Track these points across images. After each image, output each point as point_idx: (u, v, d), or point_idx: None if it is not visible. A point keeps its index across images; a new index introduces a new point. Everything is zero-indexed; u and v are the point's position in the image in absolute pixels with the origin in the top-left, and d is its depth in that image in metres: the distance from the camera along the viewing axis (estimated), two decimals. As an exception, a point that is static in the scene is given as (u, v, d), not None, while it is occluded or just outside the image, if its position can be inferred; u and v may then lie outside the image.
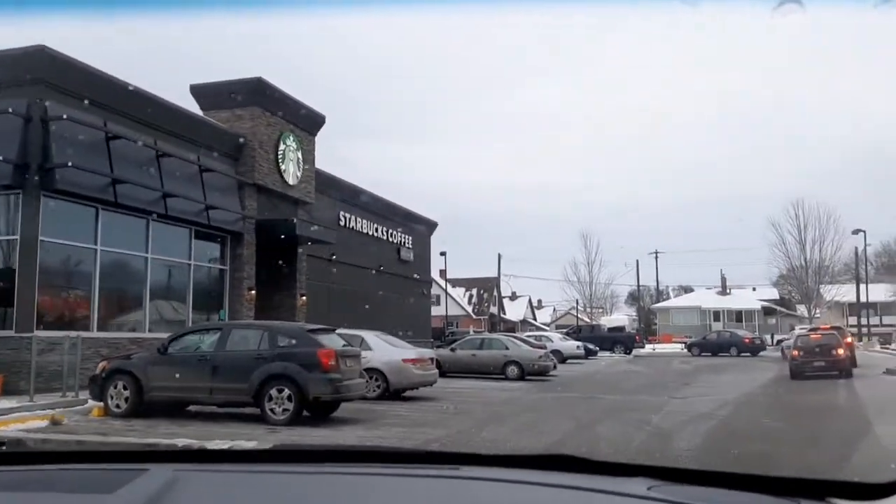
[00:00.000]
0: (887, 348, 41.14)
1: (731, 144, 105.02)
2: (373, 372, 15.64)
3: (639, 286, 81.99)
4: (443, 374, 24.00)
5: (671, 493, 1.36)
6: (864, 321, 47.06)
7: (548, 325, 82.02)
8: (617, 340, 45.78)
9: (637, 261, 78.37)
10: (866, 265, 54.41)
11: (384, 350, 16.74)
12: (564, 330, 51.84)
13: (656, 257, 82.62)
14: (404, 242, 34.24)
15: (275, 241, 22.06)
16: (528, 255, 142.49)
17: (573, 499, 1.39)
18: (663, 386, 22.40)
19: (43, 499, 1.36)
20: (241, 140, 21.43)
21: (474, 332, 46.41)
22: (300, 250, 24.17)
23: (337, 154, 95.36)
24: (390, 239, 32.94)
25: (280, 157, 22.78)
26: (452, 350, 26.13)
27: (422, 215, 35.59)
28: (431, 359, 17.79)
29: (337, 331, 13.89)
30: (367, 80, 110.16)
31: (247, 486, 1.46)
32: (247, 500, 1.38)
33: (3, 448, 1.98)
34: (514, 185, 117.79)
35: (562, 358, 37.24)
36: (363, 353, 14.23)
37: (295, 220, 22.89)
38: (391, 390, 16.37)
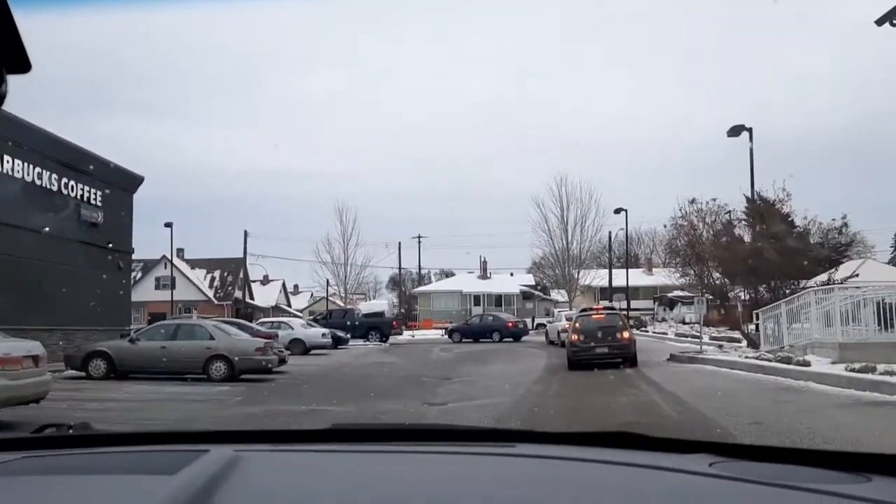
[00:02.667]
0: (645, 332, 39.85)
1: (498, 135, 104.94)
2: None
3: (400, 269, 78.01)
4: (120, 376, 17.74)
5: (733, 469, 1.31)
6: (621, 305, 45.95)
7: (302, 311, 75.12)
8: (373, 327, 40.30)
9: (399, 243, 74.09)
10: (627, 245, 53.95)
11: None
12: (312, 316, 45.64)
13: (419, 241, 79.40)
14: (88, 198, 25.70)
15: None
16: (289, 242, 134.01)
17: (634, 476, 1.33)
18: (418, 384, 16.99)
19: (106, 481, 1.32)
20: None
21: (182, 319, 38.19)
22: None
23: (95, 130, 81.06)
24: (65, 191, 24.31)
25: None
26: (133, 341, 18.70)
27: (116, 164, 27.06)
28: (35, 358, 10.47)
29: None
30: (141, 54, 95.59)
31: (307, 466, 1.48)
32: (307, 478, 1.37)
33: (70, 431, 1.81)
34: (279, 170, 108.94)
35: (304, 348, 31.14)
36: None
37: None
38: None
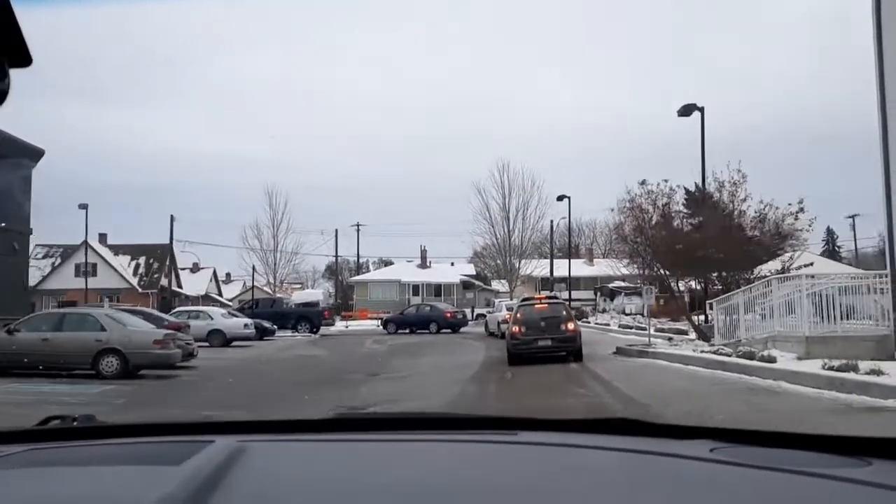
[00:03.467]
0: (587, 323, 38.56)
1: (443, 124, 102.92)
2: None
3: (337, 258, 75.49)
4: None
5: (734, 454, 1.32)
6: (563, 295, 44.58)
7: (233, 300, 71.94)
8: (302, 317, 37.93)
9: (336, 230, 71.55)
10: (570, 232, 52.75)
11: None
12: (238, 305, 43.01)
13: (358, 229, 76.88)
14: (-27, 170, 22.79)
15: None
16: (222, 230, 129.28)
17: (636, 462, 1.34)
18: (339, 382, 15.05)
19: (112, 472, 1.33)
20: None
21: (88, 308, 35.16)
22: None
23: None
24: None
25: None
26: (11, 332, 16.16)
27: (8, 134, 24.07)
28: None
29: None
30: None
31: (310, 454, 1.49)
32: (311, 466, 1.39)
33: (75, 423, 1.82)
34: (215, 156, 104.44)
35: (224, 340, 28.78)
36: None
37: None
38: None
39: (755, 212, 18.86)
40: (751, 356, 12.95)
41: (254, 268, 51.33)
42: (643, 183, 19.73)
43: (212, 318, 29.26)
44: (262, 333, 32.70)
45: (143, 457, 1.41)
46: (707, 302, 19.16)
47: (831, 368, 10.39)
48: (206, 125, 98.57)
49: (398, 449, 1.53)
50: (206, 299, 70.86)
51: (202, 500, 1.05)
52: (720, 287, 19.41)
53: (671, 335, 21.74)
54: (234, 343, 29.07)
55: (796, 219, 18.76)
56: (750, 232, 19.08)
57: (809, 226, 18.71)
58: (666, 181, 19.70)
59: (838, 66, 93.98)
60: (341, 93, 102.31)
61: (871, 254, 63.40)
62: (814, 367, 11.05)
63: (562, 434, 1.65)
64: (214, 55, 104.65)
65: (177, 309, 32.31)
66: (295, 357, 22.90)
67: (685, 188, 20.12)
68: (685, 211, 20.88)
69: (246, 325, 29.78)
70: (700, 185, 20.01)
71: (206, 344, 28.58)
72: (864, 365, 10.19)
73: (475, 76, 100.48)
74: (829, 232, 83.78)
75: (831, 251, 79.83)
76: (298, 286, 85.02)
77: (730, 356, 13.82)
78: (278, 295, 53.93)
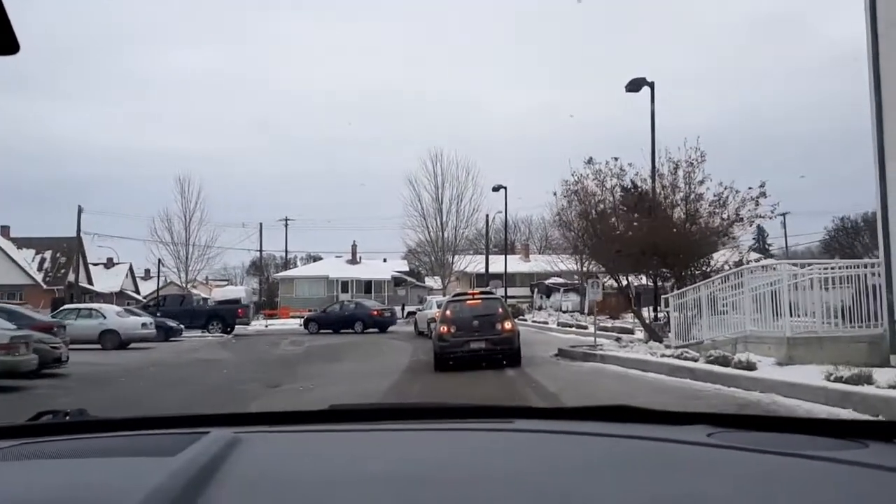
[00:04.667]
0: (524, 321, 36.39)
1: (378, 121, 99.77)
2: None
3: (261, 253, 71.91)
4: None
5: (731, 439, 1.31)
6: (500, 292, 42.26)
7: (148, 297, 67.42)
8: (215, 316, 34.60)
9: (261, 224, 67.83)
10: (506, 223, 50.48)
11: None
12: (141, 303, 39.33)
13: (286, 224, 73.17)
14: None
15: None
16: (140, 224, 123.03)
17: (634, 447, 1.33)
18: (231, 395, 12.45)
19: (107, 463, 1.32)
20: None
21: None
22: None
23: None
24: None
25: None
26: None
27: None
28: None
29: None
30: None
31: (306, 445, 1.49)
32: (307, 456, 1.38)
33: (67, 418, 1.79)
34: (136, 150, 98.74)
35: (119, 341, 25.47)
36: None
37: None
38: None
39: (714, 195, 16.71)
40: (725, 362, 10.69)
41: (160, 261, 47.04)
42: (590, 161, 17.41)
43: (104, 317, 25.82)
44: (167, 334, 29.46)
45: (138, 448, 1.38)
46: (662, 297, 17.01)
47: (839, 379, 8.14)
48: (127, 119, 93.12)
49: (395, 438, 1.52)
50: (121, 297, 66.42)
51: (199, 489, 1.05)
52: (673, 281, 17.26)
53: (619, 336, 19.53)
54: (133, 345, 25.84)
55: (757, 204, 16.73)
56: (708, 218, 16.93)
57: (772, 212, 16.71)
58: (616, 159, 17.41)
59: (786, 64, 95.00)
60: (274, 86, 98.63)
61: (800, 251, 63.44)
62: (811, 376, 8.81)
63: (558, 422, 1.66)
64: (133, 46, 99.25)
65: (64, 307, 28.59)
66: (192, 362, 19.83)
67: (640, 180, 17.69)
68: (634, 192, 18.45)
69: (144, 325, 26.46)
70: (654, 160, 17.77)
71: (99, 346, 25.39)
72: (881, 376, 7.97)
73: (413, 72, 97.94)
74: (760, 229, 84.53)
75: (762, 248, 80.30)
76: (225, 283, 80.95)
77: (696, 361, 11.57)
78: (196, 292, 49.96)
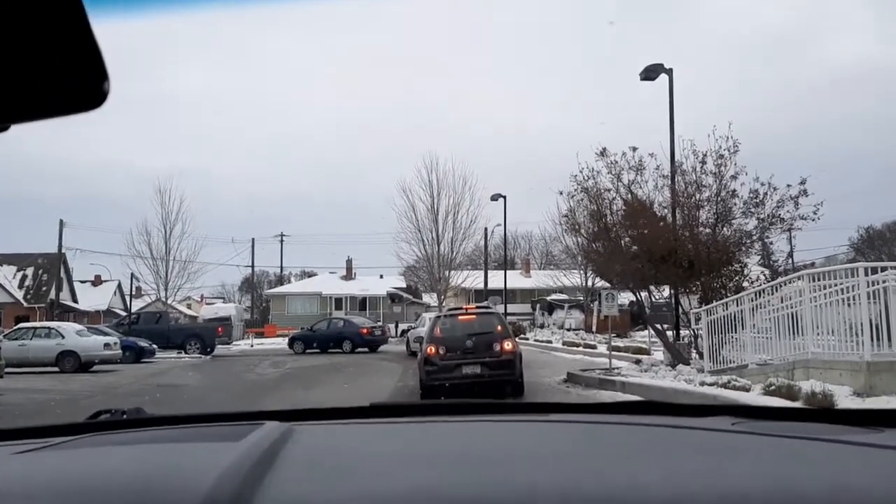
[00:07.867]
0: (526, 340, 33.90)
1: (377, 139, 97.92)
2: None
3: (253, 269, 69.36)
4: None
5: (756, 427, 1.37)
6: (500, 309, 39.72)
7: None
8: (193, 335, 32.07)
9: (253, 239, 65.49)
10: (505, 233, 47.97)
11: None
12: (114, 321, 36.81)
13: (281, 240, 70.80)
14: None
15: None
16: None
17: (663, 434, 1.39)
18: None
19: (176, 448, 1.38)
20: None
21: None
22: None
23: None
24: None
25: None
26: None
27: None
28: None
29: None
30: None
31: (354, 435, 1.55)
32: (356, 444, 1.44)
33: (125, 416, 1.85)
34: (130, 167, 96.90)
35: (78, 363, 23.04)
36: None
37: None
38: None
39: (750, 191, 14.23)
40: (791, 394, 8.23)
41: (132, 276, 44.38)
42: (603, 153, 14.91)
43: (63, 337, 23.35)
44: (138, 355, 26.96)
45: (203, 436, 1.46)
46: (692, 312, 14.51)
47: None
48: (115, 134, 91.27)
49: (435, 428, 1.60)
50: (109, 314, 63.93)
51: (265, 469, 1.08)
52: (701, 294, 14.78)
53: (636, 356, 17.05)
54: (95, 367, 23.38)
55: (797, 205, 14.28)
56: (743, 219, 14.46)
57: (815, 213, 14.24)
58: (634, 149, 14.92)
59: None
60: (273, 103, 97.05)
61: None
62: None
63: (591, 415, 1.72)
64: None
65: (20, 325, 26.12)
66: (149, 389, 17.29)
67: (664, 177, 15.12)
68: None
69: (108, 346, 23.94)
70: (672, 152, 15.24)
71: (56, 369, 22.94)
72: None
73: (412, 88, 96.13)
74: (764, 245, 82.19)
75: (766, 264, 77.94)
76: (220, 300, 78.43)
77: (748, 391, 9.10)
78: (183, 309, 47.40)
